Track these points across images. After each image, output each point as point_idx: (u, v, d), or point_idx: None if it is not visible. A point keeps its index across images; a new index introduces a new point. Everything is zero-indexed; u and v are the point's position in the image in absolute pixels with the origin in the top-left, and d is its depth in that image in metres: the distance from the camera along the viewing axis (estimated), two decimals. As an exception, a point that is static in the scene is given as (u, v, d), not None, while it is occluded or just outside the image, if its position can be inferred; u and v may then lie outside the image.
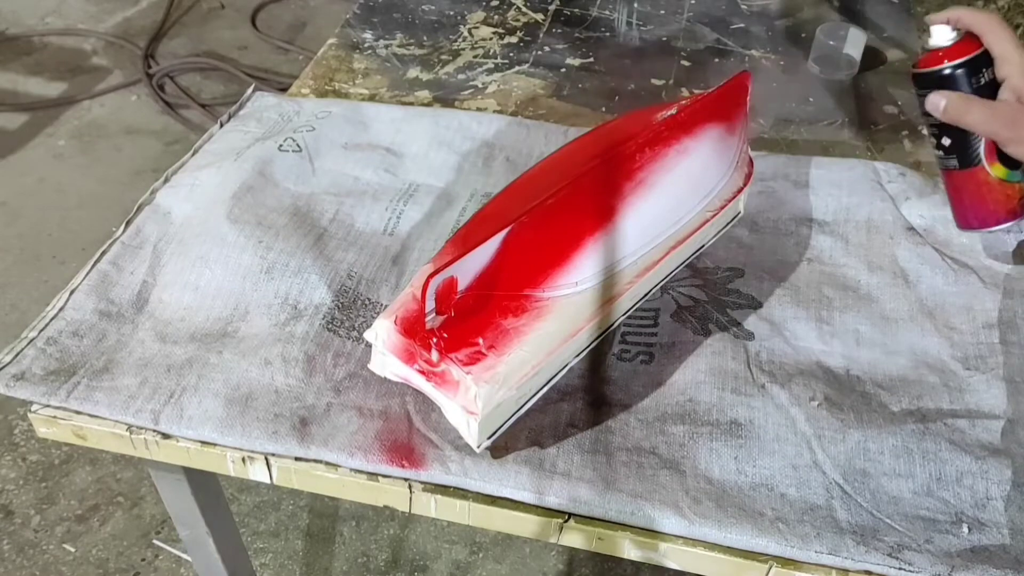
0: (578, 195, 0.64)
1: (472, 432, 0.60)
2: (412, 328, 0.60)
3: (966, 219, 0.74)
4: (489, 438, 0.60)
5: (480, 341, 0.59)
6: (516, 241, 0.60)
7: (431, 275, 0.56)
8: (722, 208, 0.74)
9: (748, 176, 0.77)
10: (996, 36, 0.67)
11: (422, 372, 0.61)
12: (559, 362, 0.63)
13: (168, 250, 0.78)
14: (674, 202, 0.71)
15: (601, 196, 0.66)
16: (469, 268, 0.59)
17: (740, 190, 0.75)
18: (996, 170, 0.70)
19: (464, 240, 0.64)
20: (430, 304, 0.57)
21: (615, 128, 0.78)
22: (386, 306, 0.74)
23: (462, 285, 0.59)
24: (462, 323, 0.59)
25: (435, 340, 0.58)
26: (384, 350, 0.62)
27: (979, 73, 0.68)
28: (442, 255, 0.64)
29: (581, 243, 0.64)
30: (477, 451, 0.61)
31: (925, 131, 0.73)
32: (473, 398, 0.58)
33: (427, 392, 0.62)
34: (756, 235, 0.82)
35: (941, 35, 0.70)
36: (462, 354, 0.58)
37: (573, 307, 0.63)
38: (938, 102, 0.69)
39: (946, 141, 0.72)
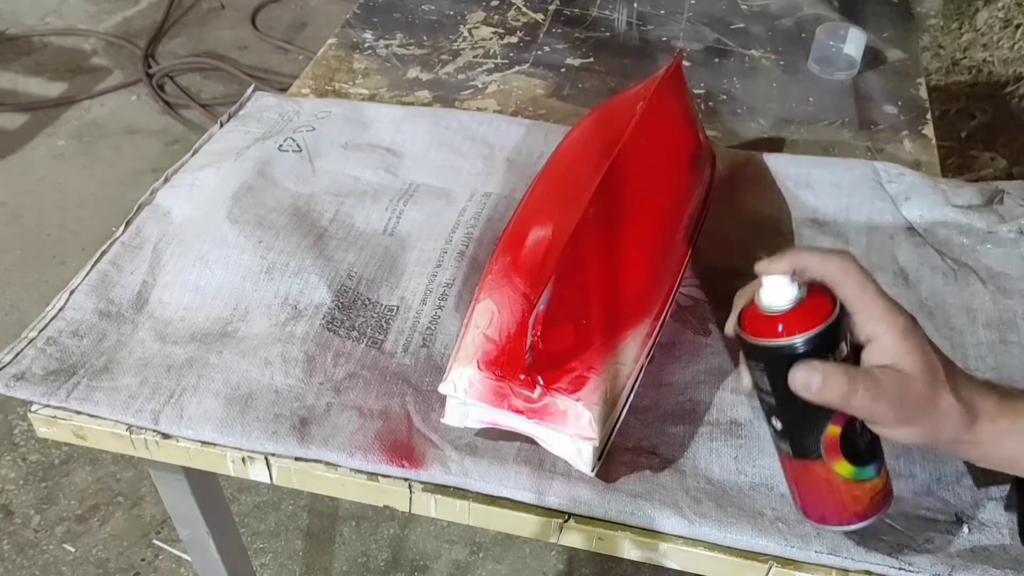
0: (609, 201, 0.64)
1: (585, 458, 0.59)
2: (505, 369, 0.58)
3: (804, 510, 0.56)
4: (599, 459, 0.60)
5: (577, 364, 0.58)
6: (576, 258, 0.60)
7: (531, 315, 0.55)
8: (706, 183, 0.78)
9: (709, 148, 0.82)
10: (854, 288, 0.50)
11: (519, 411, 0.59)
12: (639, 366, 0.63)
13: (168, 250, 0.78)
14: (679, 188, 0.73)
15: (629, 198, 0.67)
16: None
17: (711, 163, 0.80)
18: (841, 468, 0.52)
19: (521, 264, 0.62)
20: (530, 341, 0.56)
21: (608, 119, 0.78)
22: (390, 307, 0.74)
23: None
24: (554, 351, 0.58)
25: (539, 376, 0.57)
26: (467, 400, 0.60)
27: (838, 341, 0.51)
28: (503, 283, 0.62)
29: (630, 245, 0.64)
30: (592, 475, 0.60)
31: (754, 398, 0.55)
32: (588, 423, 0.57)
33: (523, 430, 0.61)
34: (756, 235, 0.82)
35: (779, 292, 0.50)
36: (564, 382, 0.57)
37: (643, 308, 0.63)
38: (809, 380, 0.49)
39: (778, 424, 0.54)
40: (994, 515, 0.59)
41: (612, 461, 0.62)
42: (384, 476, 0.63)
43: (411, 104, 1.02)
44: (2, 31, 2.74)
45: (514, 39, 1.16)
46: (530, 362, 0.57)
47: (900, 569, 0.57)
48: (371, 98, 1.04)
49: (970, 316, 0.73)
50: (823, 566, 0.58)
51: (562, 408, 0.58)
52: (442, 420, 0.63)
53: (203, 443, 0.65)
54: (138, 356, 0.70)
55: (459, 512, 0.63)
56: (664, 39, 1.16)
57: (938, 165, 0.93)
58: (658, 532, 0.60)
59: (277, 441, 0.64)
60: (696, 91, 1.05)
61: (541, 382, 0.57)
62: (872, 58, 1.10)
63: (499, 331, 0.59)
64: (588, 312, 0.60)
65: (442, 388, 0.61)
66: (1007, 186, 0.84)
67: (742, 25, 1.19)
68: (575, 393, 0.57)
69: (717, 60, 1.12)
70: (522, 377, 0.57)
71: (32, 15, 2.84)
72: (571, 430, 0.58)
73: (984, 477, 0.61)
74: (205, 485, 0.83)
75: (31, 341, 0.70)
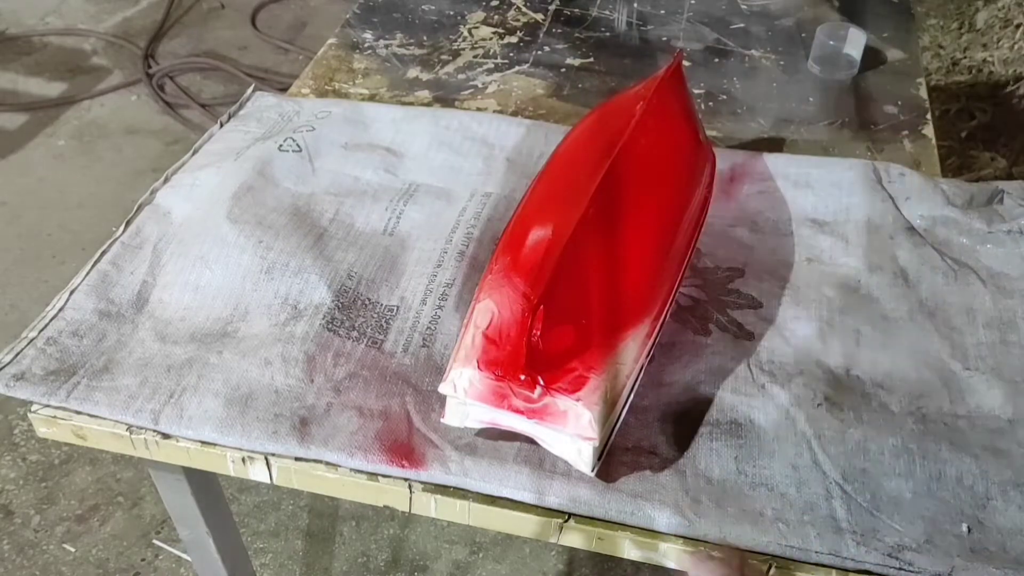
0: (609, 201, 0.64)
1: (585, 457, 0.59)
2: (505, 369, 0.58)
3: None
4: (599, 459, 0.60)
5: (577, 364, 0.58)
6: (576, 258, 0.60)
7: (531, 315, 0.55)
8: (706, 183, 0.78)
9: (710, 147, 0.82)
10: None
11: (519, 411, 0.59)
12: (639, 366, 0.63)
13: (168, 250, 0.78)
14: (679, 188, 0.73)
15: (629, 198, 0.67)
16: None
17: (711, 163, 0.80)
18: None
19: (521, 264, 0.62)
20: (530, 341, 0.56)
21: (608, 119, 0.78)
22: (390, 307, 0.74)
23: None
24: (554, 351, 0.58)
25: (539, 376, 0.57)
26: (467, 400, 0.60)
27: None
28: (503, 283, 0.62)
29: (630, 245, 0.64)
30: (592, 475, 0.60)
31: None
32: (588, 423, 0.57)
33: (523, 430, 0.61)
34: (756, 235, 0.82)
35: None
36: (564, 382, 0.57)
37: (643, 308, 0.63)
38: None
39: None
40: (994, 515, 0.59)
41: (612, 461, 0.62)
42: (384, 476, 0.63)
43: (411, 104, 1.02)
44: (2, 31, 2.74)
45: (514, 39, 1.16)
46: (530, 362, 0.57)
47: (900, 569, 0.57)
48: (371, 98, 1.04)
49: (970, 316, 0.73)
50: (823, 566, 0.58)
51: (562, 408, 0.58)
52: (442, 420, 0.63)
53: (203, 443, 0.65)
54: (138, 356, 0.70)
55: (459, 512, 0.63)
56: (664, 39, 1.16)
57: (938, 165, 0.93)
58: (658, 532, 0.60)
59: (277, 441, 0.64)
60: (696, 91, 1.05)
61: (541, 382, 0.57)
62: (872, 58, 1.10)
63: (499, 331, 0.59)
64: (588, 312, 0.60)
65: (442, 388, 0.61)
66: (1007, 186, 0.84)
67: (742, 25, 1.19)
68: (575, 393, 0.57)
69: (717, 60, 1.12)
70: (522, 377, 0.57)
71: (32, 15, 2.84)
72: (571, 430, 0.58)
73: (984, 477, 0.61)
74: (205, 485, 0.83)
75: (31, 341, 0.70)
